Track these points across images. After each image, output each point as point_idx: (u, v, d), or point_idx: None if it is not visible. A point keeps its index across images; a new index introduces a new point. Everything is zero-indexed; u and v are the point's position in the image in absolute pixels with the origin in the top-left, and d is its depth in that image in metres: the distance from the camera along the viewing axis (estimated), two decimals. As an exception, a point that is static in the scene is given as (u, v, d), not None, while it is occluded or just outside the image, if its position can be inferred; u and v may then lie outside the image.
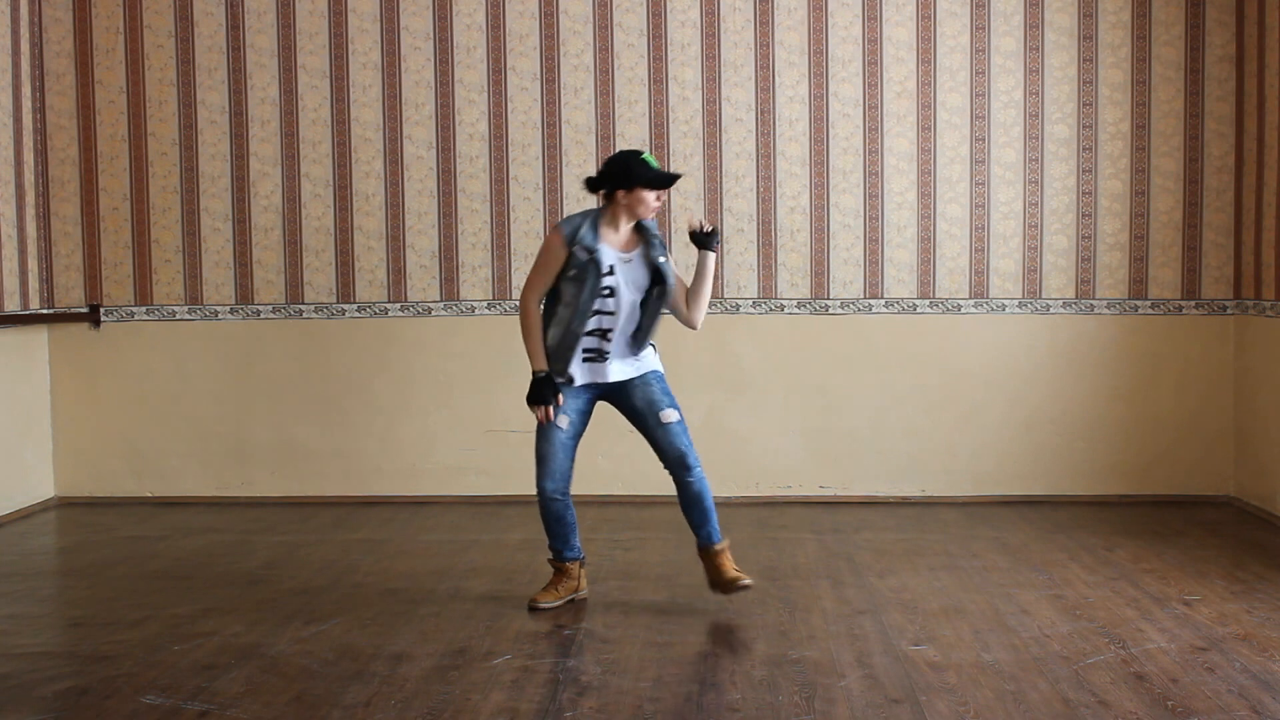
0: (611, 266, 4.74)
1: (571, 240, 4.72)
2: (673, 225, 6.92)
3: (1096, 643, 4.42)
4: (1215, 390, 6.91)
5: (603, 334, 4.79)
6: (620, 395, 4.87)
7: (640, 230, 4.82)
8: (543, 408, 4.77)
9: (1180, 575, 5.34)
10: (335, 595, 5.15)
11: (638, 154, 4.75)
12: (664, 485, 6.90)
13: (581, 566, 5.02)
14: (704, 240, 4.87)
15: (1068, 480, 6.96)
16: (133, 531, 6.46)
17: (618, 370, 4.82)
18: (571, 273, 4.72)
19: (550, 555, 5.02)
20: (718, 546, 4.91)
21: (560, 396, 4.80)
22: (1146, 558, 5.66)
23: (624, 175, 4.71)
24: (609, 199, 4.78)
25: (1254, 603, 4.92)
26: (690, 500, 4.88)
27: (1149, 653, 4.31)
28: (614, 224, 4.79)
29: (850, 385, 7.00)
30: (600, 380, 4.83)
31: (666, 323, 5.04)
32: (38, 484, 7.09)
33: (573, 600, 4.99)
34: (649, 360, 4.90)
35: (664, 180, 4.73)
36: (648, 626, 4.71)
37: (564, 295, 4.76)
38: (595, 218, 4.79)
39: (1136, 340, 6.92)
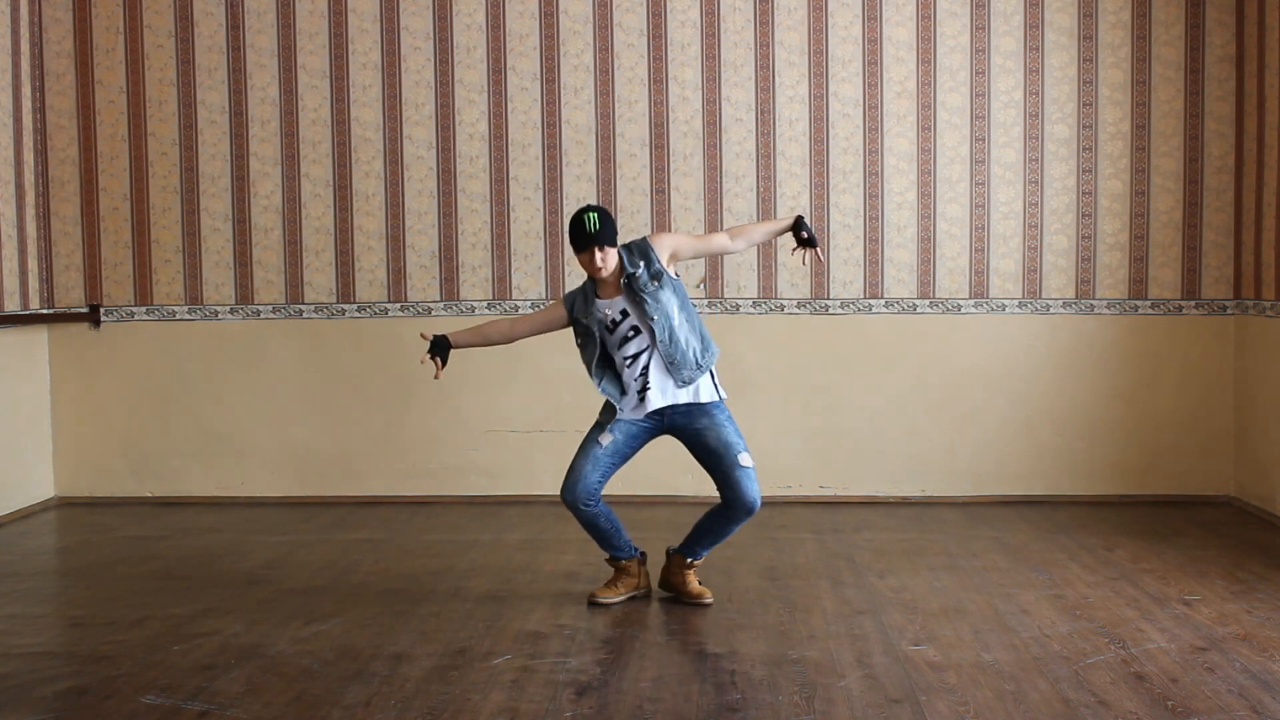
0: (622, 313, 4.77)
1: (571, 311, 4.88)
2: (671, 223, 6.92)
3: (1096, 643, 4.42)
4: (1215, 390, 6.91)
5: (645, 372, 4.78)
6: (690, 432, 4.83)
7: (621, 269, 4.79)
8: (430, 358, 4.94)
9: (1180, 575, 5.35)
10: (335, 595, 5.15)
11: (577, 216, 4.73)
12: (664, 486, 6.91)
13: (641, 564, 5.06)
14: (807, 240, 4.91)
15: (1068, 480, 6.96)
16: (133, 531, 6.46)
17: (666, 397, 4.79)
18: (580, 341, 4.87)
19: (606, 556, 5.10)
20: (696, 562, 5.01)
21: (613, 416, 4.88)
22: (1146, 558, 5.66)
23: (569, 237, 4.80)
24: None
25: (1254, 603, 4.92)
26: (721, 530, 4.91)
27: (1149, 653, 4.31)
28: (597, 277, 4.81)
29: (850, 385, 7.00)
30: (651, 409, 4.81)
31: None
32: (38, 484, 7.09)
33: (634, 597, 5.04)
34: (707, 388, 4.84)
35: (582, 244, 4.71)
36: (648, 626, 4.71)
37: (601, 353, 4.85)
38: (589, 284, 4.88)
39: (1136, 340, 6.92)
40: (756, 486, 4.80)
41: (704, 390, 4.83)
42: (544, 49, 6.98)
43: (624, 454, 4.90)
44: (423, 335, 4.99)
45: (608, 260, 4.72)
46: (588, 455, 4.85)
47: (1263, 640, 4.44)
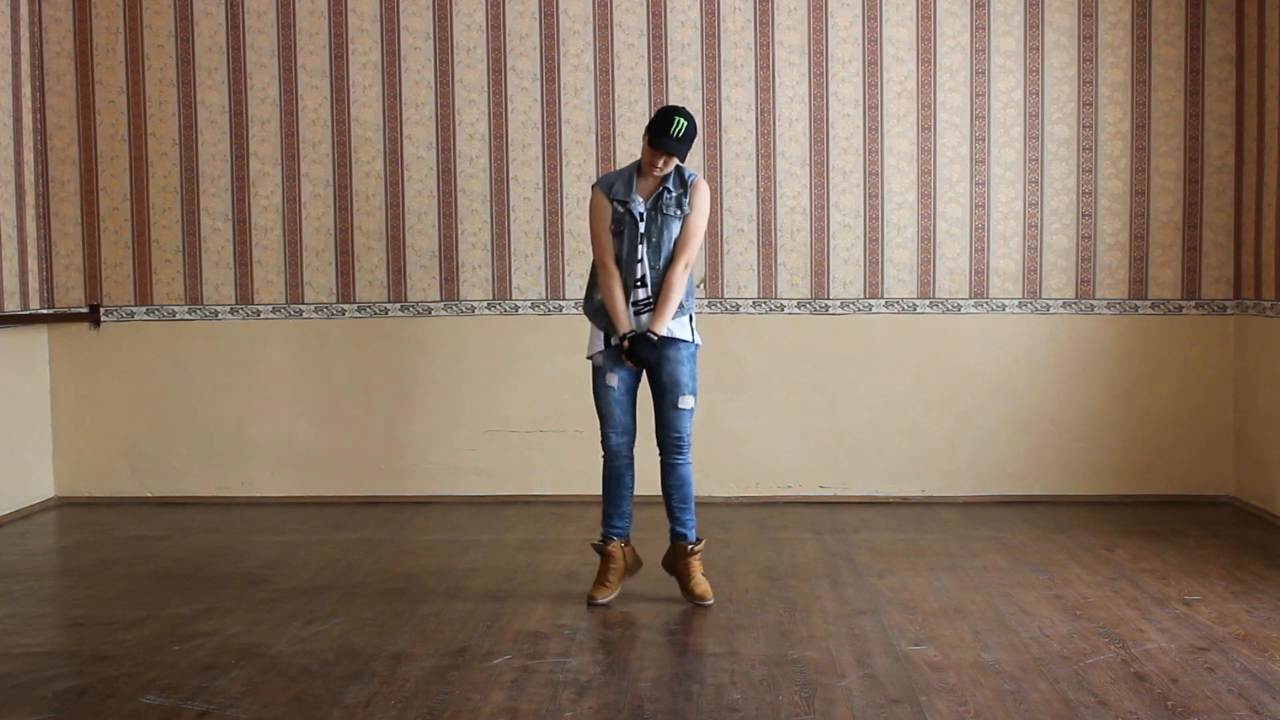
0: (643, 214, 4.91)
1: (608, 194, 4.95)
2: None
3: (1096, 643, 4.42)
4: (1215, 390, 6.91)
5: (644, 282, 4.93)
6: (654, 358, 4.95)
7: (665, 179, 4.94)
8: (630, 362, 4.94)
9: (1180, 575, 5.35)
10: (335, 595, 5.15)
11: (669, 112, 4.79)
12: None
13: (625, 544, 5.08)
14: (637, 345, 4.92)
15: (1068, 480, 6.96)
16: (133, 531, 6.46)
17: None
18: (613, 227, 4.94)
19: (598, 537, 5.12)
20: (694, 546, 5.02)
21: (600, 356, 4.99)
22: (1146, 558, 5.66)
23: (650, 125, 4.84)
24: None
25: (1254, 603, 4.92)
26: (675, 482, 5.01)
27: (1149, 653, 4.31)
28: (645, 174, 4.94)
29: (850, 385, 7.00)
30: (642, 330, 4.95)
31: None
32: (38, 484, 7.09)
33: (630, 577, 5.08)
34: (685, 325, 4.98)
35: (659, 142, 4.78)
36: (648, 626, 4.71)
37: (629, 249, 4.94)
38: (631, 171, 4.97)
39: (1136, 340, 6.92)
40: (687, 425, 4.98)
41: (681, 329, 4.97)
42: (544, 49, 6.98)
43: (633, 386, 5.02)
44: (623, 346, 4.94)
45: (668, 166, 4.87)
46: (610, 401, 4.99)
47: (1263, 640, 4.44)
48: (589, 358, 5.06)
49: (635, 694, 3.95)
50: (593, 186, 5.03)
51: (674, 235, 4.92)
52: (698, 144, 6.90)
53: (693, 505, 5.05)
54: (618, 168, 6.91)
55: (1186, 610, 4.82)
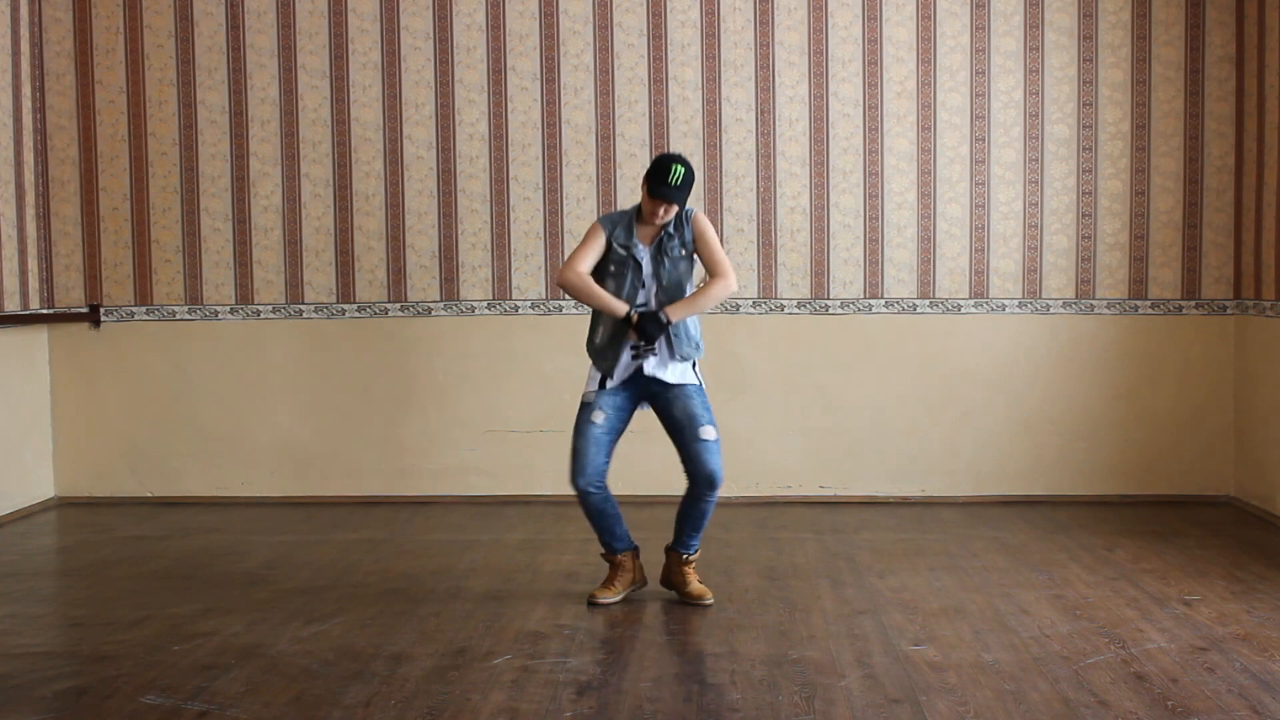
0: (642, 257, 4.89)
1: (611, 234, 4.90)
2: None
3: (1096, 643, 4.42)
4: (1215, 390, 6.91)
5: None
6: (661, 402, 4.93)
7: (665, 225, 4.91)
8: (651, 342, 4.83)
9: (1180, 575, 5.35)
10: (335, 595, 5.15)
11: (666, 161, 4.77)
12: (664, 485, 6.90)
13: (636, 557, 5.07)
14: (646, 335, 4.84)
15: (1068, 480, 6.96)
16: (133, 531, 6.46)
17: (657, 367, 4.88)
18: (611, 268, 4.90)
19: (601, 550, 5.10)
20: (691, 556, 5.02)
21: (593, 395, 4.92)
22: (1146, 558, 5.66)
23: (648, 174, 4.80)
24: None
25: (1254, 603, 4.92)
26: (695, 512, 4.95)
27: (1149, 653, 4.31)
28: (645, 221, 4.91)
29: (850, 385, 7.00)
30: (641, 374, 4.90)
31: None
32: (38, 484, 7.09)
33: (633, 593, 5.06)
34: (689, 371, 4.94)
35: (657, 191, 4.75)
36: (648, 626, 4.71)
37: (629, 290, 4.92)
38: (634, 213, 4.94)
39: (1136, 340, 6.92)
40: (717, 460, 4.86)
41: (686, 375, 4.93)
42: (544, 49, 6.98)
43: (617, 429, 4.95)
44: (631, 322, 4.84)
45: (669, 214, 4.83)
46: (588, 437, 4.88)
47: (1263, 640, 4.44)
48: (583, 395, 4.97)
49: (635, 694, 3.95)
50: (596, 220, 5.03)
51: (682, 273, 4.90)
52: (698, 144, 6.91)
53: (704, 530, 5.01)
54: (617, 167, 6.93)
55: (1186, 610, 4.82)
